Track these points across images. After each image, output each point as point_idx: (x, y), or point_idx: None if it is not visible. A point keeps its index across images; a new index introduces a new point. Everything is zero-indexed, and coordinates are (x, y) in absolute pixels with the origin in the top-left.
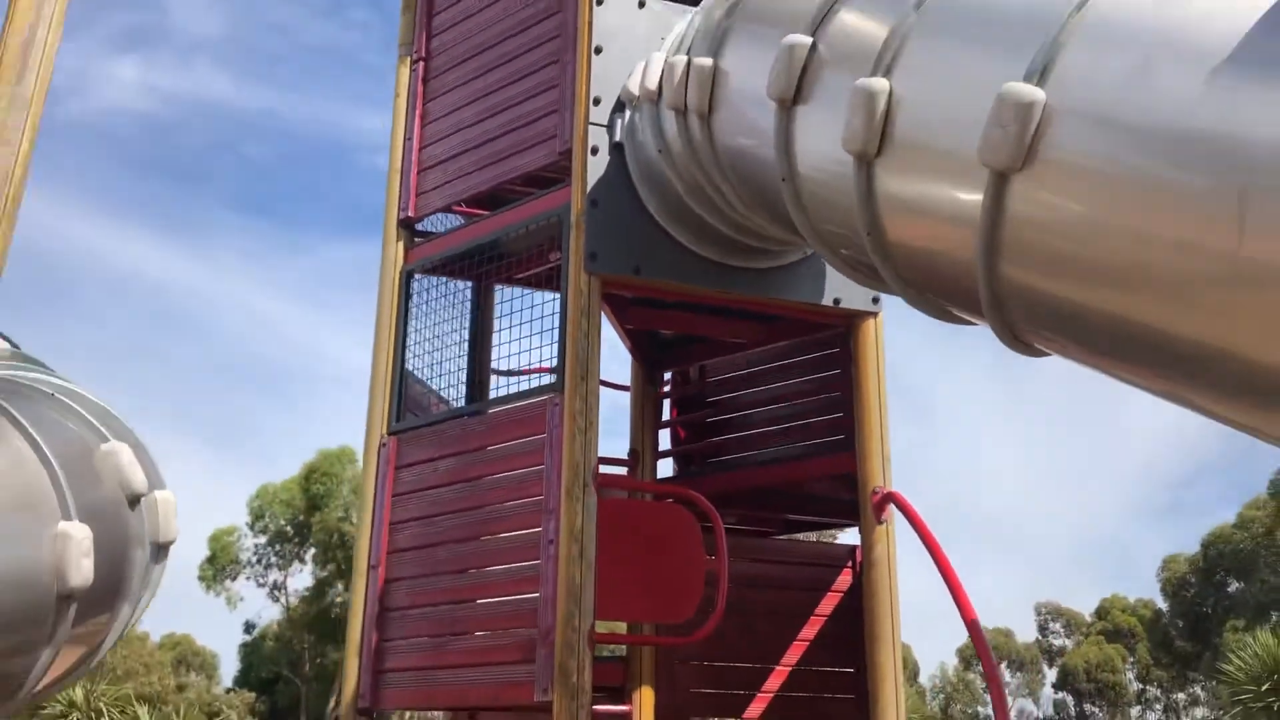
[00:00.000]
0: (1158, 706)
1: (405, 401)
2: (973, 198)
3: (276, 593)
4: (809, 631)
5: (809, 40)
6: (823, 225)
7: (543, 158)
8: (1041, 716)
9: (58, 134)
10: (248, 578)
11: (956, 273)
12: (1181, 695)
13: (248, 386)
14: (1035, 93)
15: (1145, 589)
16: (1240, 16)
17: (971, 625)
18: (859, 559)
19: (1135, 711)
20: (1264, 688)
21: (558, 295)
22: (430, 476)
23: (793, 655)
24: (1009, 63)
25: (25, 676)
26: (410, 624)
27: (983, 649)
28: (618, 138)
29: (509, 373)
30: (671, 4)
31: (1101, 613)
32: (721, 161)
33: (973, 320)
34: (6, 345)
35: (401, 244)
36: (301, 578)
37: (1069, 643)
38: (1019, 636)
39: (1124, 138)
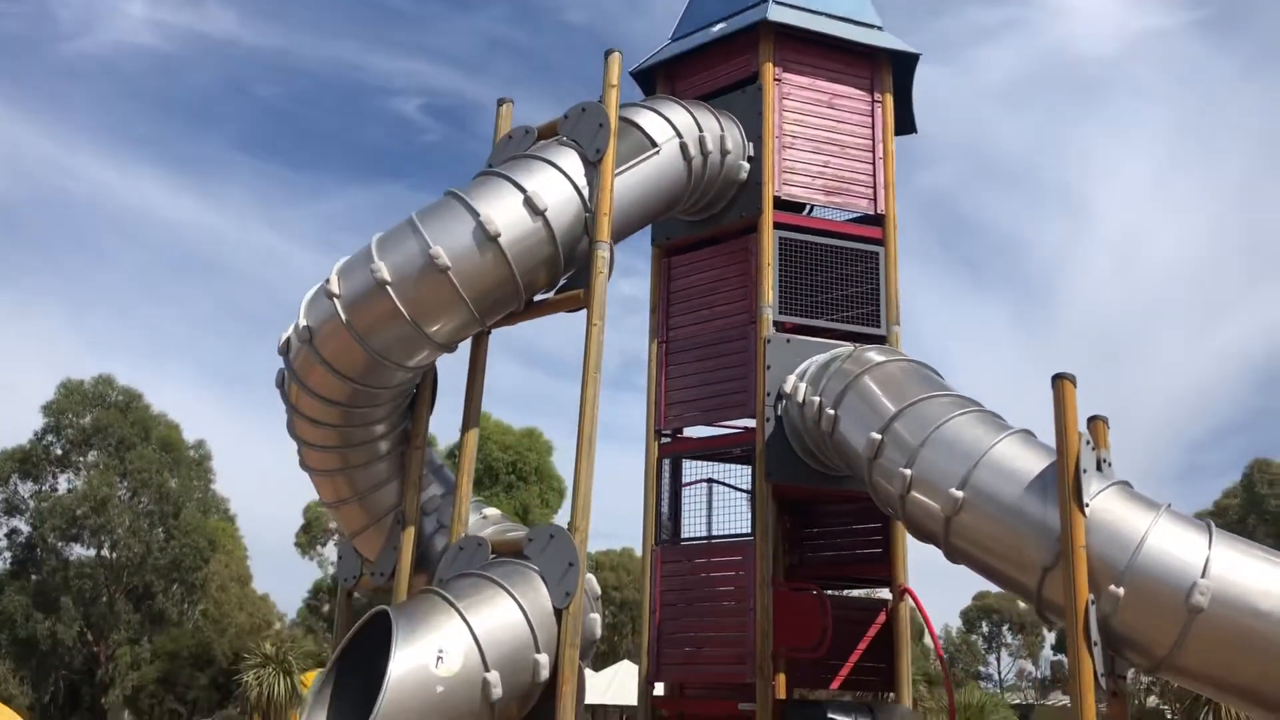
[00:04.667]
0: None
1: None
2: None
3: None
4: (863, 644)
5: (879, 436)
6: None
7: (745, 413)
8: (1040, 677)
9: (66, 70)
10: (337, 543)
11: (929, 526)
12: None
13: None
14: (955, 494)
15: None
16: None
17: (941, 660)
18: (889, 609)
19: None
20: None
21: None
22: (687, 569)
23: (854, 656)
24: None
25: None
26: (678, 643)
27: (947, 682)
28: (779, 413)
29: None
30: (801, 338)
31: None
32: (833, 441)
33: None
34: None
35: (657, 443)
36: None
37: None
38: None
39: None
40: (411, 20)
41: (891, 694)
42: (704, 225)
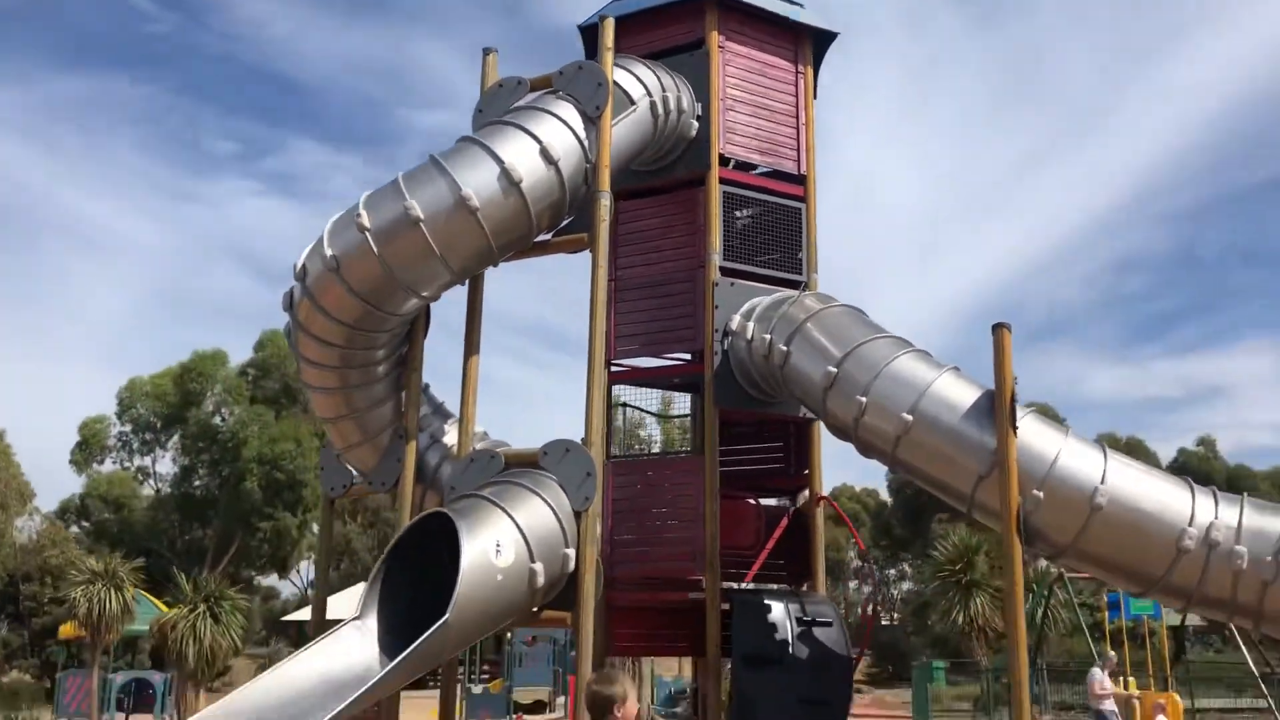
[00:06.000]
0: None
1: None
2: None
3: (141, 477)
4: (789, 543)
5: (835, 370)
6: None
7: (690, 348)
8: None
9: None
10: (114, 462)
11: (879, 442)
12: (892, 571)
13: None
14: (906, 418)
15: (872, 479)
16: (976, 395)
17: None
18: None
19: (853, 584)
20: (957, 566)
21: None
22: (637, 482)
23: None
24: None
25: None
26: (628, 545)
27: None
28: (725, 346)
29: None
30: (743, 283)
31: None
32: (784, 373)
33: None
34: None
35: (606, 371)
36: (163, 464)
37: None
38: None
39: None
40: None
41: (808, 584)
42: (650, 176)
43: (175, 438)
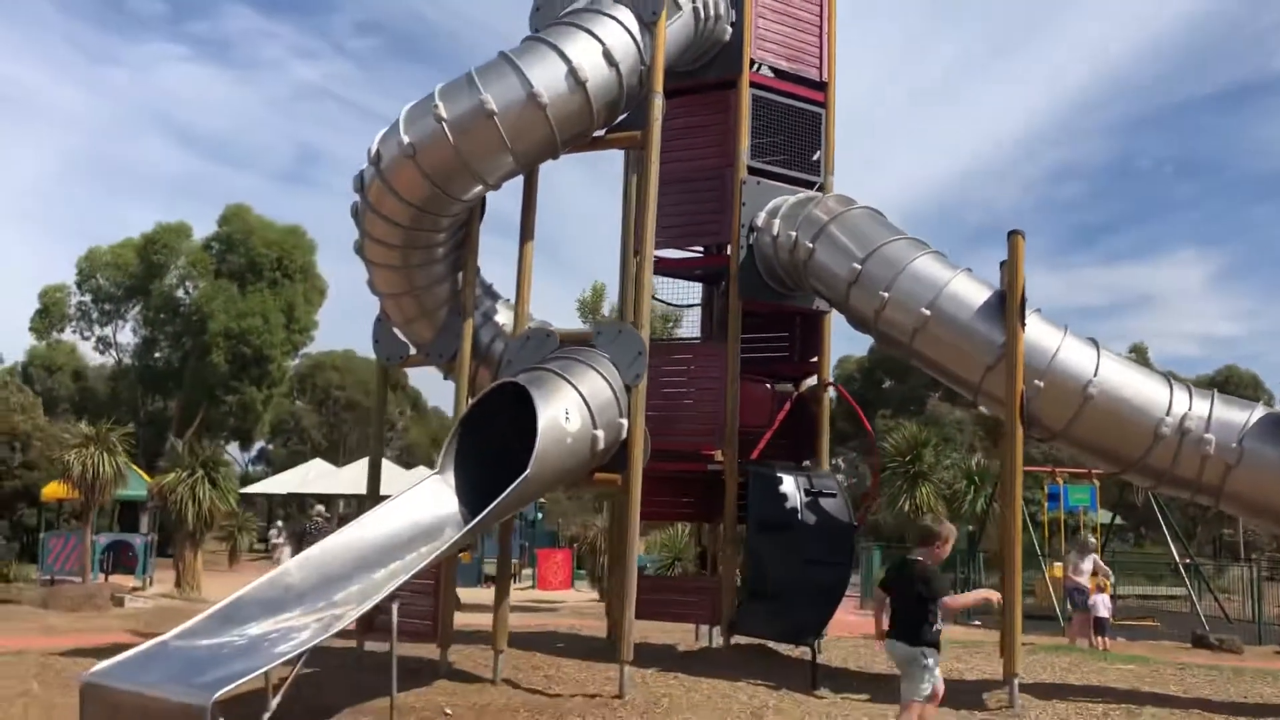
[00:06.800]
0: None
1: None
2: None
3: (101, 346)
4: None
5: (859, 267)
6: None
7: (718, 238)
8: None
9: None
10: (74, 331)
11: (893, 330)
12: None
13: None
14: (925, 312)
15: None
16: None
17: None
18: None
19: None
20: (907, 458)
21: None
22: (664, 364)
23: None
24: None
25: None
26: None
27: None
28: (751, 241)
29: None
30: (769, 182)
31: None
32: (807, 268)
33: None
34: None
35: (636, 259)
36: (124, 334)
37: None
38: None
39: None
40: None
41: (813, 460)
42: (683, 77)
43: (137, 309)
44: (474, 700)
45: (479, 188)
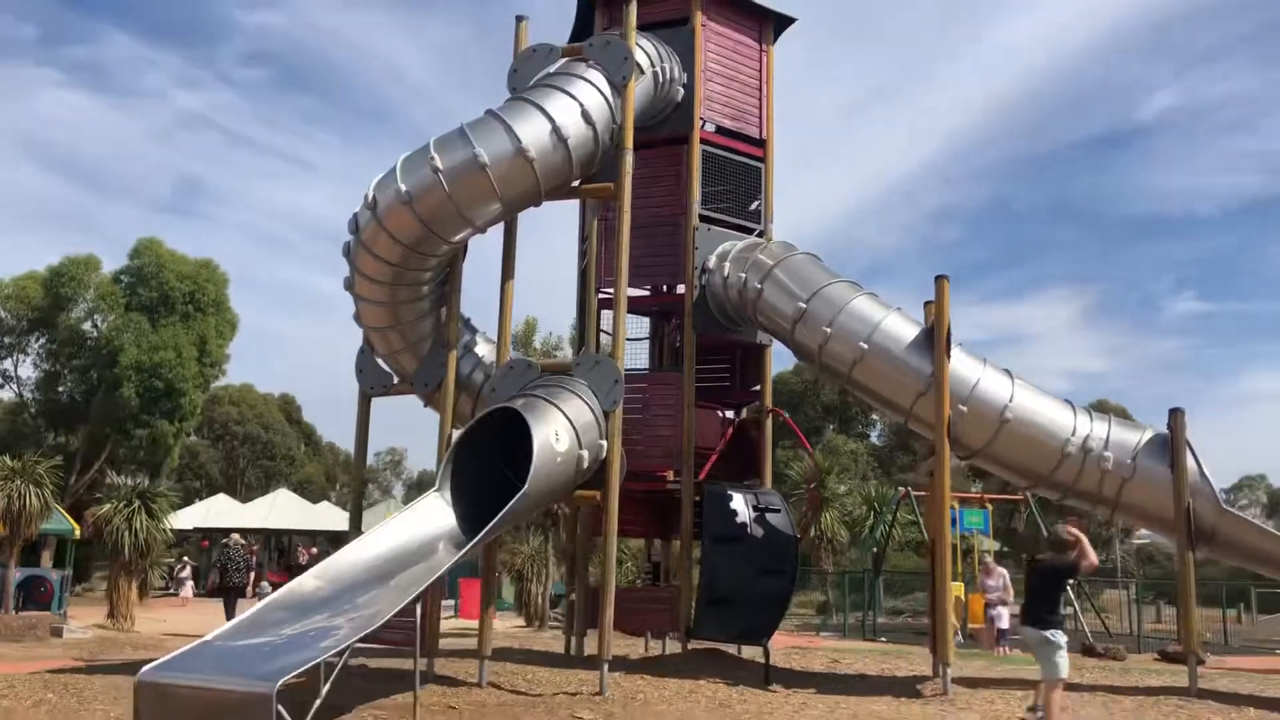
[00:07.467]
0: None
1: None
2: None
3: (1, 380)
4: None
5: (804, 306)
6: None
7: (672, 279)
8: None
9: None
10: None
11: (838, 367)
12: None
13: None
14: (862, 346)
15: None
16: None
17: (810, 454)
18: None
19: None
20: (813, 485)
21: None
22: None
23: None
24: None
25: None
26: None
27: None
28: (703, 282)
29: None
30: (720, 229)
31: None
32: (757, 307)
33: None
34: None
35: (597, 296)
36: (24, 368)
37: None
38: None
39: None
40: None
41: (757, 480)
42: (640, 133)
43: (40, 342)
44: (469, 700)
45: (468, 231)
